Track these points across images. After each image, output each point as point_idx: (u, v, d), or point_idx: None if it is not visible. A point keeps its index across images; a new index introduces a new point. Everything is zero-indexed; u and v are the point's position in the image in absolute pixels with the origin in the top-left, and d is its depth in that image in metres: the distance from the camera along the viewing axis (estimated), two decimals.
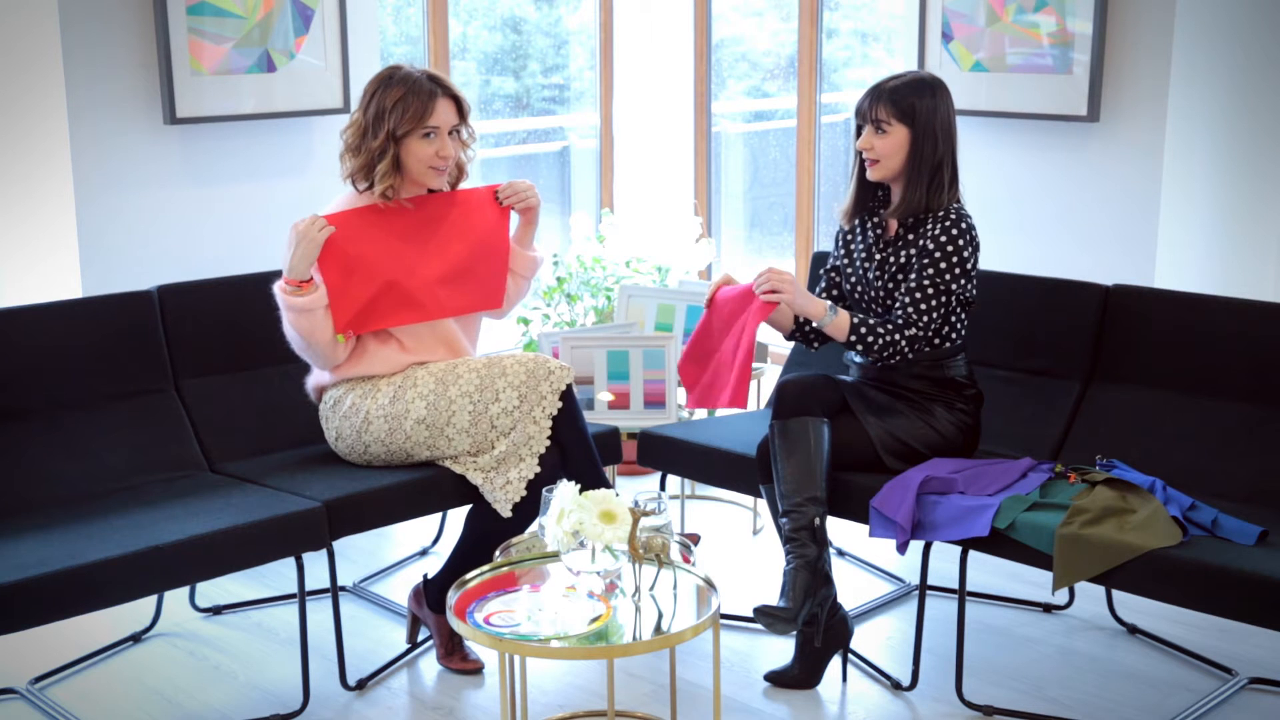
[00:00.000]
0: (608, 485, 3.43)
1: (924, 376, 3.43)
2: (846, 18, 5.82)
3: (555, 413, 3.34)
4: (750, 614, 3.23)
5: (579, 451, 3.38)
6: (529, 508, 3.31)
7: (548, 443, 3.33)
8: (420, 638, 3.59)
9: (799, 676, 3.38)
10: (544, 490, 2.85)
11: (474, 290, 3.56)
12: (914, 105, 3.37)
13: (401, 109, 3.36)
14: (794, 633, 3.33)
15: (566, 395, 3.37)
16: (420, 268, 3.45)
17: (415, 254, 3.45)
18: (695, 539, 3.46)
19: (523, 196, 3.59)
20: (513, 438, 3.32)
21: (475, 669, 3.45)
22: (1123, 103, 4.33)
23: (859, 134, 3.45)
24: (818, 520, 3.22)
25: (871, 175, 3.45)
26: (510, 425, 3.32)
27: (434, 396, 3.35)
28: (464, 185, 3.58)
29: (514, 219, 3.66)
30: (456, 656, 3.47)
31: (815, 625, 3.30)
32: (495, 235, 3.58)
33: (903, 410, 3.40)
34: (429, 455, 3.39)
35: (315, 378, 3.57)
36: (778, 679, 3.39)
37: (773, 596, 3.31)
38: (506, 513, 3.31)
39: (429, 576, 3.49)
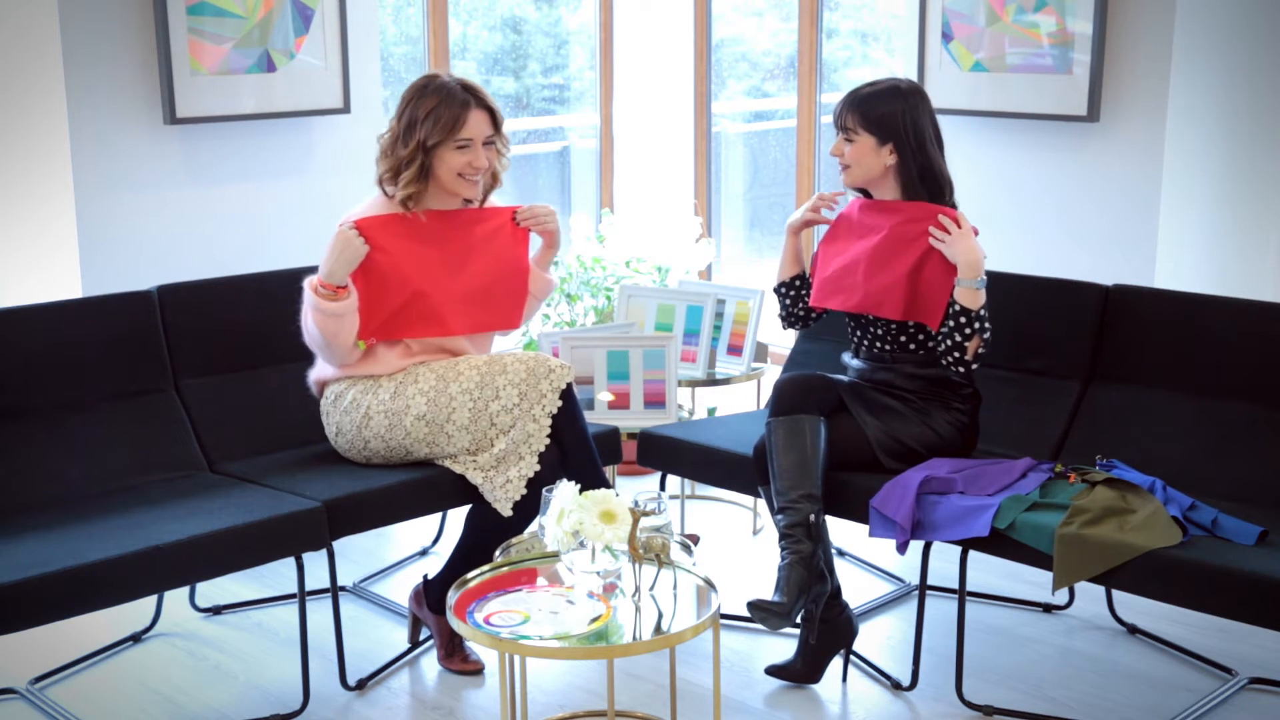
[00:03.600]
0: (607, 484, 3.43)
1: (919, 377, 3.43)
2: (846, 18, 5.83)
3: (555, 411, 3.34)
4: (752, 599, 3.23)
5: (579, 450, 3.39)
6: (529, 506, 3.31)
7: (547, 441, 3.33)
8: (421, 637, 3.59)
9: (801, 671, 3.38)
10: (544, 490, 2.85)
11: (493, 309, 3.55)
12: (881, 114, 3.39)
13: (434, 120, 3.37)
14: (788, 628, 3.32)
15: (566, 394, 3.37)
16: (445, 281, 3.45)
17: (441, 266, 3.45)
18: (694, 539, 3.46)
19: (541, 221, 3.58)
20: (512, 435, 3.32)
21: (476, 670, 3.45)
22: (1123, 103, 4.33)
23: None
24: (813, 517, 3.22)
25: (844, 181, 3.51)
26: (510, 423, 3.32)
27: (434, 393, 3.35)
28: (496, 192, 3.58)
29: (534, 241, 3.65)
30: (457, 657, 3.47)
31: (811, 622, 3.30)
32: (514, 256, 3.57)
33: (900, 410, 3.40)
34: (428, 452, 3.39)
35: (317, 372, 3.57)
36: (780, 672, 3.39)
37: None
38: (507, 511, 3.31)
39: (429, 577, 3.49)
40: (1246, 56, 4.42)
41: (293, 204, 4.47)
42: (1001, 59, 4.51)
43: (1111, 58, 4.32)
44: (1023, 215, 4.55)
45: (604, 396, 4.03)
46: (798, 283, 3.68)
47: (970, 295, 3.32)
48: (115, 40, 4.04)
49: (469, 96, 3.41)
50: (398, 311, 3.42)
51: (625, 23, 5.76)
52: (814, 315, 3.70)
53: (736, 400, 4.96)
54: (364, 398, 3.42)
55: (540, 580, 2.86)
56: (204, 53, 4.14)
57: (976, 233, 3.39)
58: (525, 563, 2.94)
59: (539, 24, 5.78)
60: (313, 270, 3.44)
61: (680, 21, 5.84)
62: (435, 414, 3.35)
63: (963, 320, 3.31)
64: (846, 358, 3.60)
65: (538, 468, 3.31)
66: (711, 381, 4.31)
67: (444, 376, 3.38)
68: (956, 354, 3.33)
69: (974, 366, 3.36)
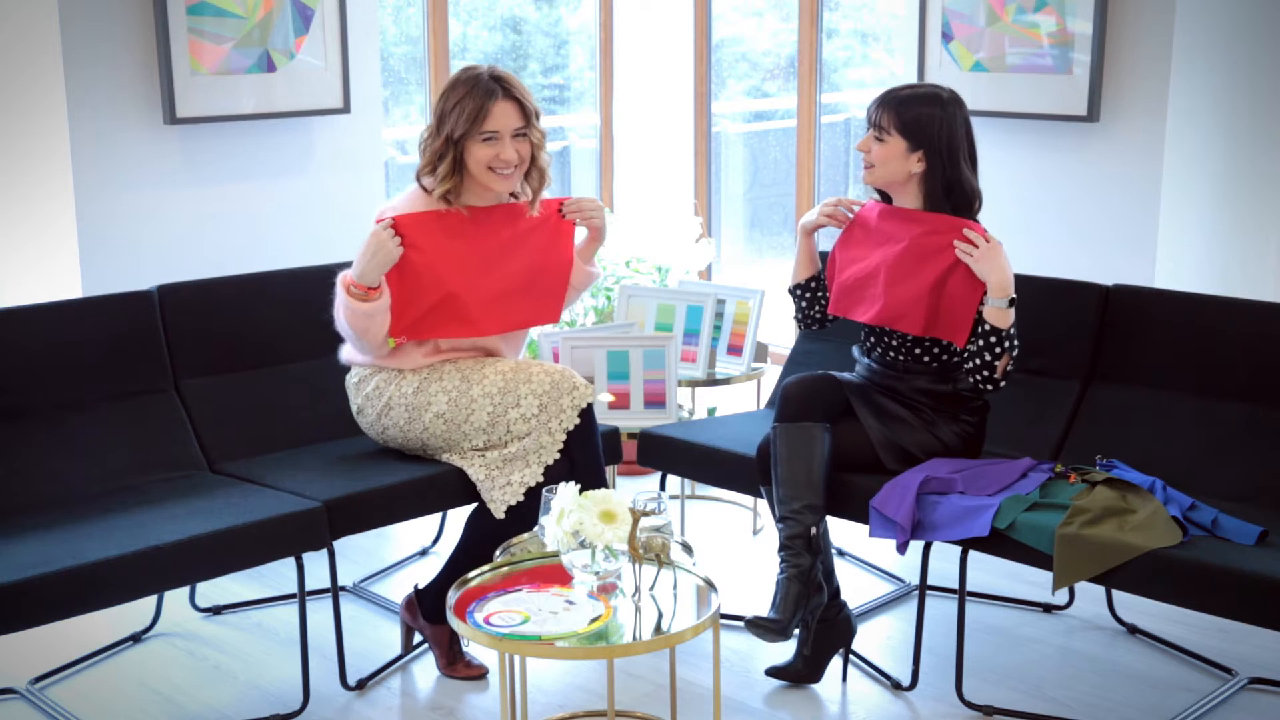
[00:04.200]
0: None
1: (930, 392, 3.40)
2: (846, 18, 5.83)
3: (572, 428, 3.33)
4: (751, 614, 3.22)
5: (588, 472, 3.34)
6: (525, 513, 3.30)
7: (558, 455, 3.32)
8: (415, 642, 3.57)
9: (800, 671, 3.38)
10: (544, 491, 2.85)
11: (531, 305, 3.53)
12: (918, 119, 3.31)
13: (459, 111, 3.32)
14: (784, 642, 3.31)
15: (586, 413, 3.35)
16: (481, 280, 3.42)
17: (478, 265, 3.42)
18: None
19: (587, 214, 3.55)
20: (525, 443, 3.31)
21: (479, 674, 3.44)
22: (1123, 103, 4.33)
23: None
24: (814, 529, 3.21)
25: (864, 178, 3.44)
26: (526, 431, 3.31)
27: (456, 393, 3.35)
28: (539, 183, 3.51)
29: (580, 232, 3.61)
30: (459, 665, 3.45)
31: (808, 630, 3.29)
32: (558, 250, 3.54)
33: (906, 418, 3.37)
34: (443, 447, 3.39)
35: (347, 352, 3.54)
36: (780, 673, 3.39)
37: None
38: (500, 514, 3.30)
39: (420, 587, 3.48)
40: (1246, 56, 4.42)
41: (293, 204, 4.47)
42: (1001, 59, 4.51)
43: (1111, 58, 4.32)
44: (1023, 215, 4.55)
45: (604, 397, 4.03)
46: (813, 284, 3.63)
47: (1000, 314, 3.25)
48: (115, 40, 4.04)
49: (496, 86, 3.34)
50: (430, 311, 3.39)
51: (625, 23, 5.76)
52: (830, 317, 3.66)
53: (736, 400, 4.96)
54: (387, 387, 3.42)
55: (540, 580, 2.86)
56: (204, 53, 4.14)
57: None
58: (525, 563, 2.94)
59: (539, 24, 5.78)
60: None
61: (680, 21, 5.84)
62: (455, 414, 3.34)
63: (992, 340, 3.26)
64: (857, 353, 3.57)
65: (541, 478, 3.30)
66: (711, 381, 4.31)
67: (468, 378, 3.37)
68: (985, 372, 3.29)
69: (1002, 385, 3.32)
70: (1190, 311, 3.52)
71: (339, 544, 3.33)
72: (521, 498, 3.30)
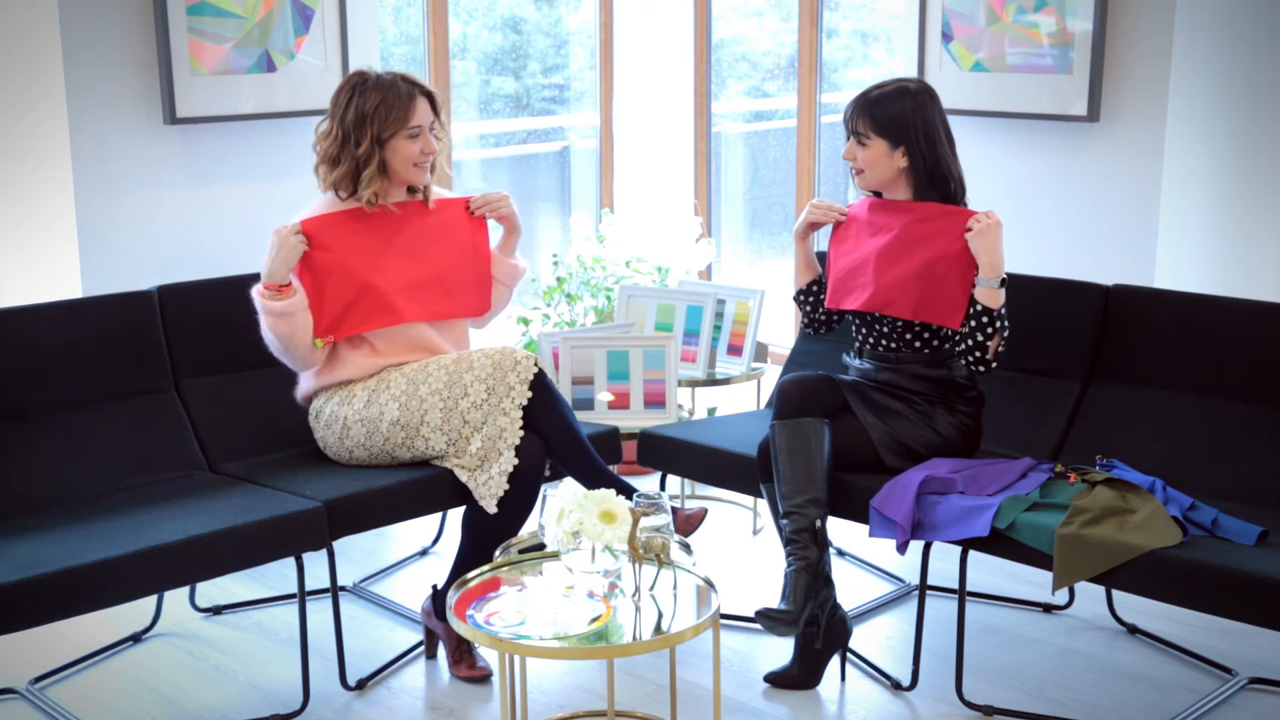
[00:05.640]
0: (602, 466, 3.41)
1: (925, 378, 3.43)
2: (846, 18, 5.82)
3: (525, 403, 3.33)
4: (750, 614, 3.23)
5: (562, 438, 3.37)
6: (515, 501, 3.30)
7: (521, 434, 3.32)
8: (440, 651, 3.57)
9: (799, 677, 3.38)
10: (545, 489, 2.84)
11: (455, 296, 3.60)
12: (892, 116, 3.38)
13: (385, 113, 3.42)
14: (796, 634, 3.32)
15: (537, 384, 3.36)
16: (396, 271, 3.49)
17: (391, 258, 3.49)
18: (702, 514, 3.43)
19: (494, 206, 3.65)
20: (485, 432, 3.32)
21: (483, 676, 3.43)
22: (1123, 103, 4.33)
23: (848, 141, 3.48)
24: (819, 522, 3.22)
25: (858, 184, 3.51)
26: (481, 419, 3.32)
27: (406, 397, 3.37)
28: (436, 177, 3.61)
29: (498, 229, 3.71)
30: (464, 664, 3.45)
31: (816, 626, 3.30)
32: (473, 243, 3.64)
33: (903, 412, 3.40)
34: (410, 455, 3.40)
35: (302, 388, 3.60)
36: (777, 680, 3.39)
37: (773, 596, 3.31)
38: (491, 508, 3.29)
39: (438, 588, 3.48)
40: (1246, 56, 4.42)
41: (293, 204, 4.45)
42: (1001, 59, 4.51)
43: (1111, 58, 4.32)
44: (1023, 215, 4.54)
45: (604, 396, 4.03)
46: (815, 288, 3.67)
47: (991, 294, 3.31)
48: (115, 40, 4.04)
49: (410, 85, 3.47)
50: (350, 306, 3.45)
51: (625, 23, 5.76)
52: (836, 318, 3.69)
53: (736, 400, 4.95)
54: (341, 409, 3.44)
55: (540, 580, 2.86)
56: (204, 53, 4.14)
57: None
58: (525, 563, 2.94)
59: (539, 24, 5.77)
60: (256, 278, 3.47)
61: (680, 21, 5.83)
62: (409, 418, 3.36)
63: (984, 320, 3.31)
64: (848, 358, 3.59)
65: (516, 461, 3.30)
66: (711, 381, 4.31)
67: (414, 379, 3.39)
68: (978, 353, 3.34)
69: (994, 365, 3.36)
70: (1190, 311, 3.52)
71: (339, 544, 3.33)
72: (507, 485, 3.29)
